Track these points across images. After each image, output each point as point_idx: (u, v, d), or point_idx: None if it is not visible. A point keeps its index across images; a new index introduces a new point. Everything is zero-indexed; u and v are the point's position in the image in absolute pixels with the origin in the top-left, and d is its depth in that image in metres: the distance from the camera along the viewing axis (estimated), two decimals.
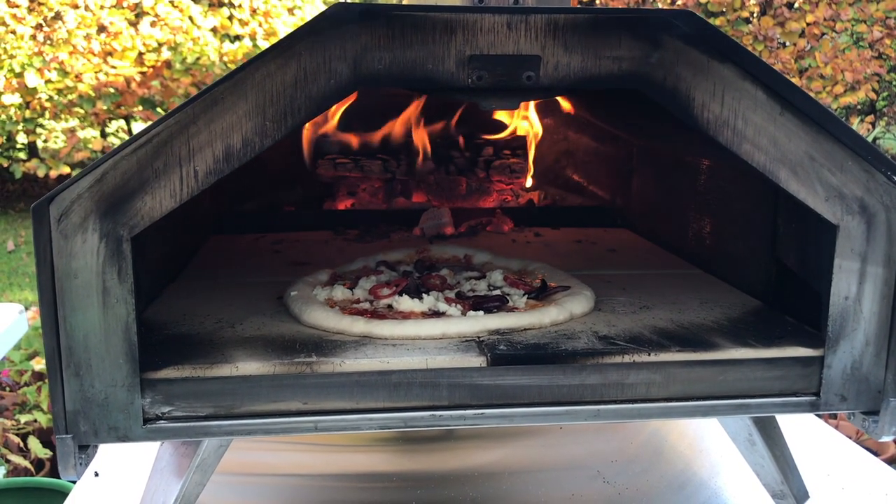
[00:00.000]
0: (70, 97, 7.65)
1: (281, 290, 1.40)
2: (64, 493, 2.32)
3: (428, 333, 1.21)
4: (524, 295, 1.39)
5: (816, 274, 1.24)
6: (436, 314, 1.30)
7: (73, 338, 1.06)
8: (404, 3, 1.27)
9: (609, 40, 1.09)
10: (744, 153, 1.13)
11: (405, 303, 1.32)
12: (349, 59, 1.06)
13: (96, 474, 1.48)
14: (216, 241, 1.92)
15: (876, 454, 1.72)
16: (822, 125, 1.13)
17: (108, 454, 1.55)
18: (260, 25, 8.51)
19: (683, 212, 1.75)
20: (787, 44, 7.63)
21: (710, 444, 1.64)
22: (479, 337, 1.21)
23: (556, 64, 1.09)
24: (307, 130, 2.05)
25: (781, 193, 1.20)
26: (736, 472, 1.52)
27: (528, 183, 2.21)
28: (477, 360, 1.14)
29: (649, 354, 1.16)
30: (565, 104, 2.09)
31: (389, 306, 1.34)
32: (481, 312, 1.29)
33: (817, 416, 1.78)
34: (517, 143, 2.18)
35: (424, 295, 1.34)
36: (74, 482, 1.53)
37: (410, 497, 1.40)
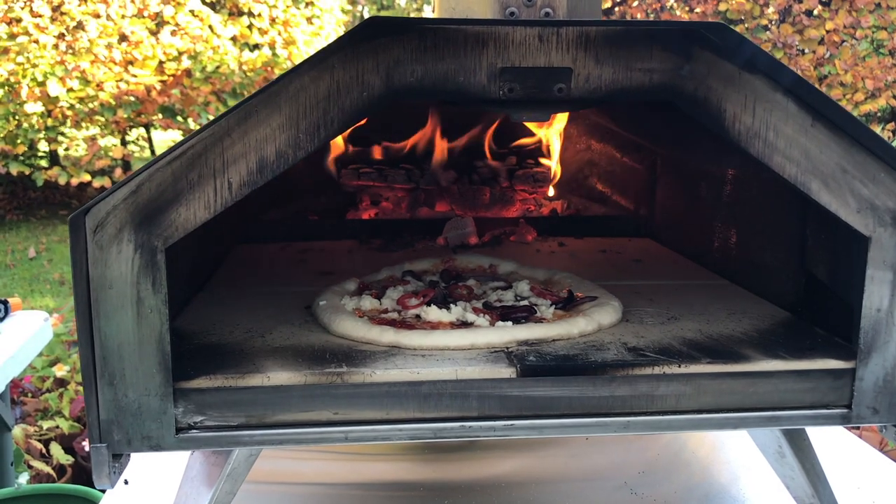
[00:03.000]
0: (91, 105, 7.73)
1: (308, 299, 1.41)
2: (89, 500, 2.34)
3: (457, 344, 1.21)
4: (551, 305, 1.39)
5: (847, 285, 1.24)
6: (464, 324, 1.31)
7: (108, 347, 1.07)
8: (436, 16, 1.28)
9: (640, 52, 1.09)
10: (775, 165, 1.13)
11: (433, 313, 1.32)
12: (382, 72, 1.06)
13: (126, 482, 1.49)
14: (241, 249, 1.94)
15: None
16: (854, 136, 1.12)
17: (138, 462, 1.56)
18: (279, 34, 8.57)
19: (708, 222, 1.75)
20: (807, 51, 7.60)
21: (734, 453, 1.63)
22: (507, 348, 1.22)
23: (587, 76, 1.10)
24: (334, 140, 2.06)
25: (810, 204, 1.19)
26: (761, 482, 1.51)
27: (551, 192, 2.21)
28: (507, 371, 1.14)
29: (679, 366, 1.15)
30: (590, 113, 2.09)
31: (417, 316, 1.34)
32: (509, 323, 1.29)
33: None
34: (540, 153, 2.18)
35: (452, 305, 1.35)
36: (103, 490, 1.54)
37: None
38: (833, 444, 1.70)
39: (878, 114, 8.13)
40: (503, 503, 1.43)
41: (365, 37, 1.05)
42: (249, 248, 1.94)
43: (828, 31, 7.41)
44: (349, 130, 2.08)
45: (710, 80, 1.11)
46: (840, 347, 1.23)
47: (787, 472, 1.33)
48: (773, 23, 7.88)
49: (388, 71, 1.07)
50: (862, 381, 1.18)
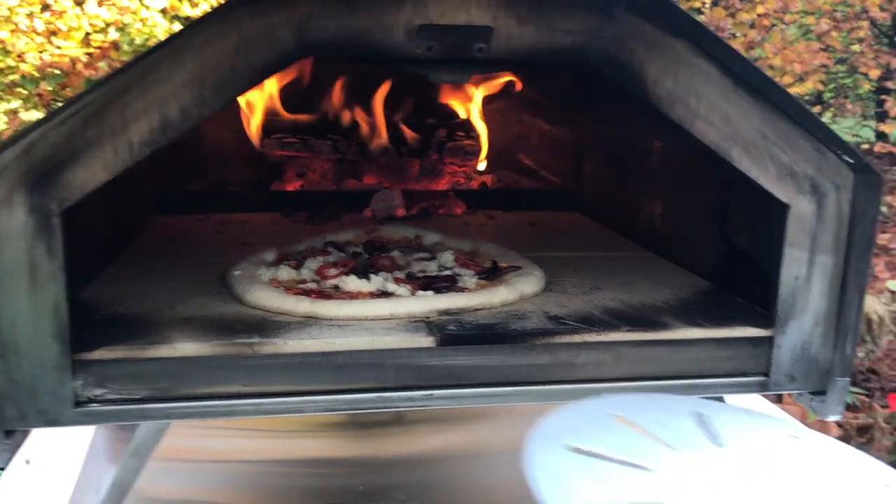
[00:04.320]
0: (12, 77, 7.40)
1: (225, 270, 1.36)
2: None
3: (375, 314, 1.18)
4: (475, 275, 1.36)
5: (767, 254, 1.23)
6: (384, 295, 1.27)
7: None
8: None
9: (562, 12, 1.07)
10: (696, 130, 1.12)
11: (352, 283, 1.28)
12: (293, 27, 1.02)
13: (27, 462, 1.42)
14: (160, 221, 1.86)
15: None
16: (775, 103, 1.12)
17: (40, 440, 1.49)
18: (211, 7, 8.34)
19: (634, 195, 1.74)
20: (738, 34, 7.72)
21: None
22: (428, 317, 1.19)
23: (508, 36, 1.06)
24: (254, 107, 1.99)
25: (733, 174, 1.19)
26: None
27: (482, 166, 2.18)
28: (425, 341, 1.11)
29: (598, 334, 1.14)
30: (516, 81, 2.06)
31: (336, 287, 1.30)
32: (431, 293, 1.26)
33: (765, 397, 1.79)
34: (471, 125, 2.15)
35: (372, 275, 1.31)
36: (2, 469, 1.46)
37: (357, 482, 1.37)
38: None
39: (807, 97, 8.32)
40: (425, 477, 1.41)
41: None
42: (168, 220, 1.86)
43: (759, 15, 7.53)
44: (275, 97, 2.02)
45: (632, 43, 1.09)
46: (759, 316, 1.23)
47: None
48: (706, 6, 7.97)
49: (300, 26, 1.02)
50: (780, 349, 1.19)
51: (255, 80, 1.03)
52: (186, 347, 1.07)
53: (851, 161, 1.14)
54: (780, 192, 1.15)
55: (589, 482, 0.80)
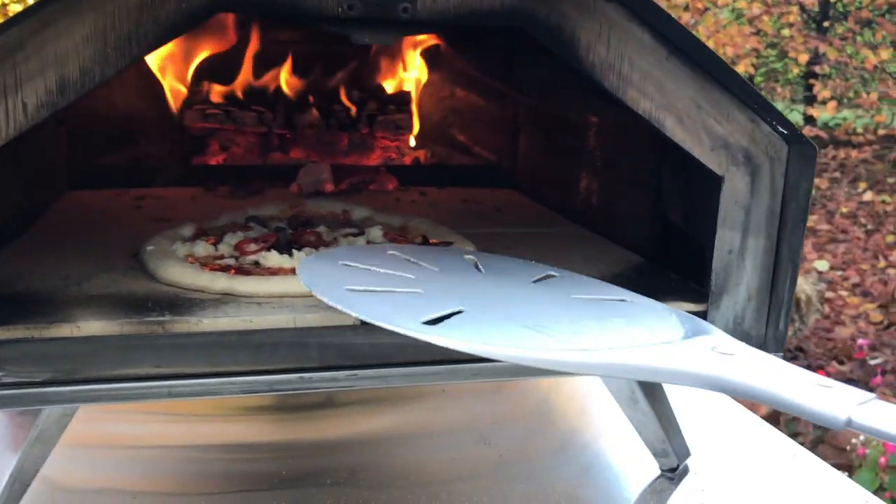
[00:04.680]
0: None
1: (139, 246, 1.28)
2: None
3: (297, 290, 1.12)
4: None
5: (701, 228, 1.21)
6: None
7: None
8: None
9: None
10: (629, 99, 1.09)
11: (273, 259, 1.22)
12: None
13: None
14: (73, 196, 1.76)
15: (752, 411, 1.74)
16: (710, 72, 1.09)
17: None
18: None
19: (570, 170, 1.71)
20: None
21: (598, 409, 1.62)
22: None
23: None
24: (176, 75, 1.90)
25: (667, 147, 1.16)
26: (621, 437, 1.49)
27: (413, 141, 2.13)
28: (350, 318, 1.06)
29: None
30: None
31: (256, 263, 1.23)
32: None
33: None
34: (402, 98, 2.09)
35: (295, 251, 1.25)
36: None
37: (280, 467, 1.31)
38: (688, 392, 1.70)
39: None
40: (352, 460, 1.36)
41: None
42: (81, 195, 1.76)
43: None
44: (197, 66, 1.94)
45: (563, 7, 1.04)
46: (692, 291, 1.21)
47: (639, 418, 1.32)
48: None
49: None
50: (713, 325, 1.17)
51: (164, 39, 0.95)
52: (92, 326, 0.99)
53: (786, 132, 1.12)
54: (713, 163, 1.12)
55: (352, 278, 0.98)
